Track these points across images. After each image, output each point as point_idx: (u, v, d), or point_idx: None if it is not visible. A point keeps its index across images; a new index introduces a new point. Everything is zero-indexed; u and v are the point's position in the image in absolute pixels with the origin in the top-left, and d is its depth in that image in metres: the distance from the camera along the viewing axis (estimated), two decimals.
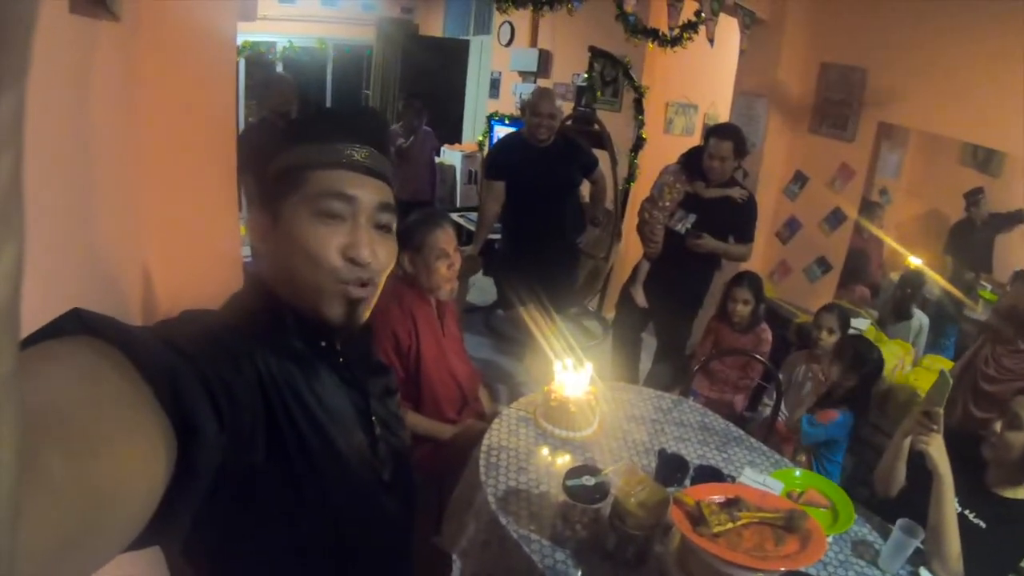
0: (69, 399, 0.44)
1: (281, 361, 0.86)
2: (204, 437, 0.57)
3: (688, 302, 3.54)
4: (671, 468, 1.86)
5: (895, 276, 3.67)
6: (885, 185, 3.78)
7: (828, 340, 2.84)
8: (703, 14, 3.43)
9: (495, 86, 6.95)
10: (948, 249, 3.48)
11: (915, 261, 3.54)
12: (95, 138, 1.26)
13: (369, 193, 0.91)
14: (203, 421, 0.58)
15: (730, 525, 1.38)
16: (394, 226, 0.97)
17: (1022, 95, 2.83)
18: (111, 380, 0.50)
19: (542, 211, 3.58)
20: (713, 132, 3.26)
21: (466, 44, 7.40)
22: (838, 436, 2.56)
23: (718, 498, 1.47)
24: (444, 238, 2.33)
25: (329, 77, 7.86)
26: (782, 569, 1.33)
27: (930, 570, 1.68)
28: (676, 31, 3.70)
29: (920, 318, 3.51)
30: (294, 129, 0.95)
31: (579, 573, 1.53)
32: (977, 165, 3.32)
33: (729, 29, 3.86)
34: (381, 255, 0.92)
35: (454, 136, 7.33)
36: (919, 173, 3.69)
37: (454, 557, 1.80)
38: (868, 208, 3.74)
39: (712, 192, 3.29)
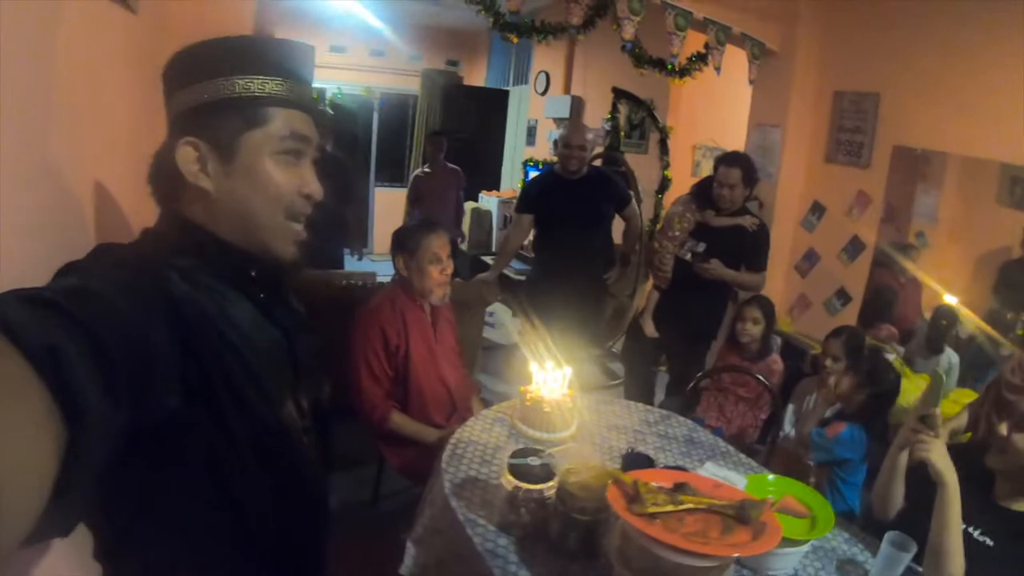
0: None
1: (201, 294, 0.84)
2: (89, 417, 0.53)
3: (701, 333, 3.46)
4: (636, 467, 1.78)
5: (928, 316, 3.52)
6: (922, 228, 3.67)
7: (834, 367, 2.72)
8: (709, 45, 3.45)
9: (531, 133, 7.11)
10: (996, 287, 3.31)
11: (950, 300, 3.39)
12: (111, 124, 1.29)
13: (314, 132, 0.94)
14: (88, 400, 0.54)
15: (670, 508, 1.29)
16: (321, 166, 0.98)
17: None
18: None
19: (572, 243, 3.58)
20: (722, 160, 3.24)
21: (506, 94, 7.60)
22: (850, 454, 2.41)
23: (664, 484, 1.39)
24: (438, 243, 2.39)
25: (375, 123, 8.14)
26: (724, 556, 1.24)
27: None
28: (682, 62, 3.72)
29: (951, 356, 3.34)
30: (236, 54, 0.89)
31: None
32: (1015, 203, 3.20)
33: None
34: (320, 191, 0.96)
35: (492, 183, 7.47)
36: (957, 215, 3.56)
37: (407, 543, 1.75)
38: (903, 251, 3.63)
39: (722, 220, 3.25)
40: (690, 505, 1.31)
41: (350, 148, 7.53)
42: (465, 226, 6.70)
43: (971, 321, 3.29)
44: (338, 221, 4.64)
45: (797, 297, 4.05)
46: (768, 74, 3.82)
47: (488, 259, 5.67)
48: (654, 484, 1.34)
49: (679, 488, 1.36)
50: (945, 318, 3.34)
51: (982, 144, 3.06)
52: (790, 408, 2.92)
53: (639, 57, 3.63)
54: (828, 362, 2.72)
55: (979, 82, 3.04)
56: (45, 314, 0.56)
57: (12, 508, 0.42)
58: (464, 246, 6.69)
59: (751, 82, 3.80)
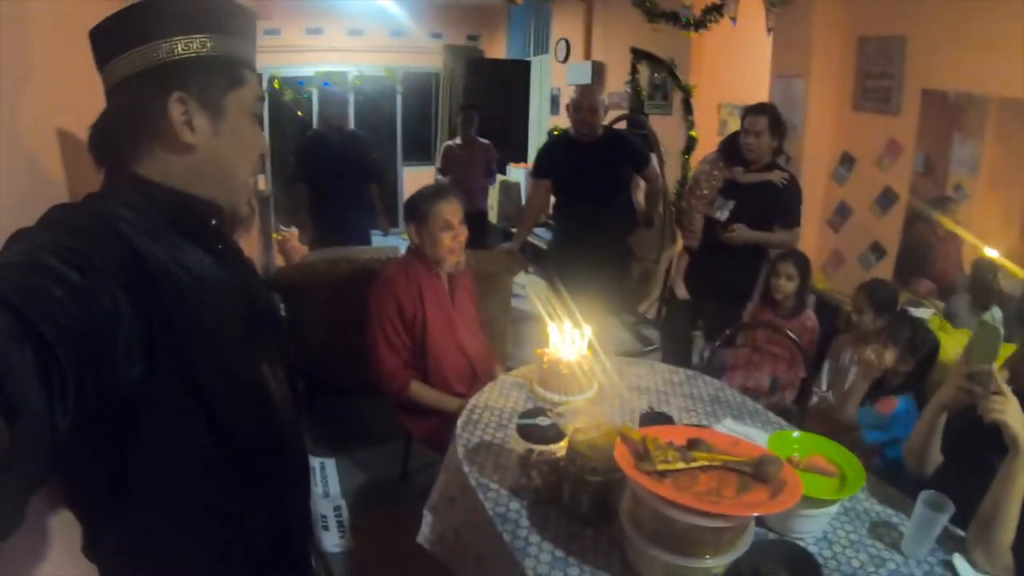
0: None
1: (161, 247, 0.83)
2: (27, 417, 0.52)
3: (735, 293, 3.35)
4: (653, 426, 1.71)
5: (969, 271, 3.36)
6: (961, 180, 3.49)
7: (864, 320, 2.60)
8: None
9: (555, 102, 7.02)
10: None
11: (991, 253, 3.23)
12: None
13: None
14: (28, 402, 0.53)
15: (680, 465, 1.23)
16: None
17: None
18: None
19: (589, 207, 3.53)
20: (749, 110, 3.14)
21: (527, 64, 7.50)
22: (908, 429, 2.28)
23: (677, 441, 1.32)
24: (448, 210, 2.35)
25: (399, 103, 8.11)
26: (737, 515, 1.18)
27: (969, 560, 1.38)
28: (696, 14, 3.58)
29: (995, 311, 3.19)
30: (221, 15, 0.88)
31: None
32: None
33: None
34: None
35: (519, 155, 7.39)
36: (996, 165, 3.37)
37: (424, 512, 1.73)
38: (941, 204, 3.46)
39: (751, 177, 3.14)
40: (703, 462, 1.26)
41: (374, 128, 7.60)
42: (493, 199, 6.66)
43: (1015, 274, 3.13)
44: (365, 200, 4.64)
45: (830, 253, 3.90)
46: (788, 22, 3.65)
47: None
48: (665, 441, 1.28)
49: (692, 445, 1.30)
50: (989, 271, 3.18)
51: (1018, 83, 2.87)
52: (826, 366, 2.82)
53: (651, 11, 3.50)
54: (855, 317, 2.61)
55: (1011, 18, 2.84)
56: None
57: None
58: (494, 218, 6.65)
59: (769, 31, 3.64)
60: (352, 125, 7.13)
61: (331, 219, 4.45)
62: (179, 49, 0.83)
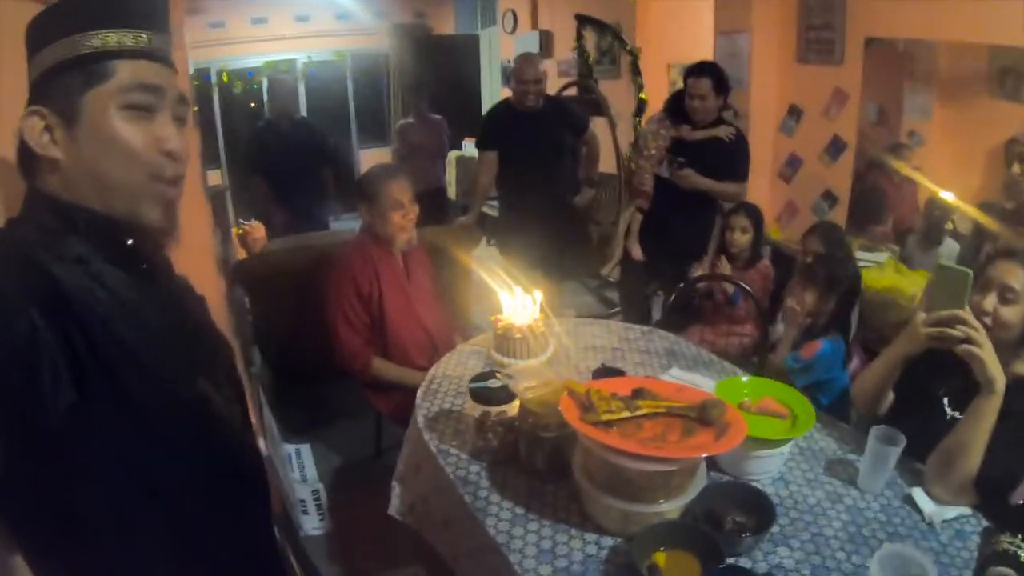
0: None
1: (81, 274, 0.79)
2: None
3: (689, 250, 3.39)
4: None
5: None
6: (914, 127, 3.56)
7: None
8: None
9: (506, 74, 6.97)
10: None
11: (946, 196, 3.31)
12: None
13: (170, 83, 0.87)
14: None
15: (625, 414, 1.27)
16: (187, 119, 0.92)
17: None
18: None
19: (535, 176, 3.56)
20: (690, 72, 3.14)
21: (476, 39, 7.45)
22: (834, 371, 2.34)
23: (621, 392, 1.36)
24: (398, 189, 2.37)
25: (350, 86, 8.02)
26: (682, 458, 1.22)
27: (929, 494, 1.41)
28: None
29: (950, 245, 3.28)
30: (72, 13, 0.82)
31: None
32: (1006, 95, 3.09)
33: None
34: (186, 147, 0.88)
35: (474, 129, 7.35)
36: (947, 112, 3.44)
37: (392, 483, 1.76)
38: (896, 150, 3.53)
39: (697, 134, 3.17)
40: (647, 410, 1.30)
41: (328, 113, 7.51)
42: (451, 175, 6.64)
43: (968, 214, 3.21)
44: (319, 184, 4.62)
45: (784, 204, 3.98)
46: None
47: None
48: (608, 392, 1.32)
49: (636, 394, 1.34)
50: (938, 209, 3.27)
51: (963, 28, 2.93)
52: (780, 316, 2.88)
53: None
54: (809, 259, 2.65)
55: None
56: None
57: None
58: (453, 194, 6.64)
59: None
60: (305, 112, 7.07)
61: (288, 207, 4.44)
62: (39, 62, 0.81)
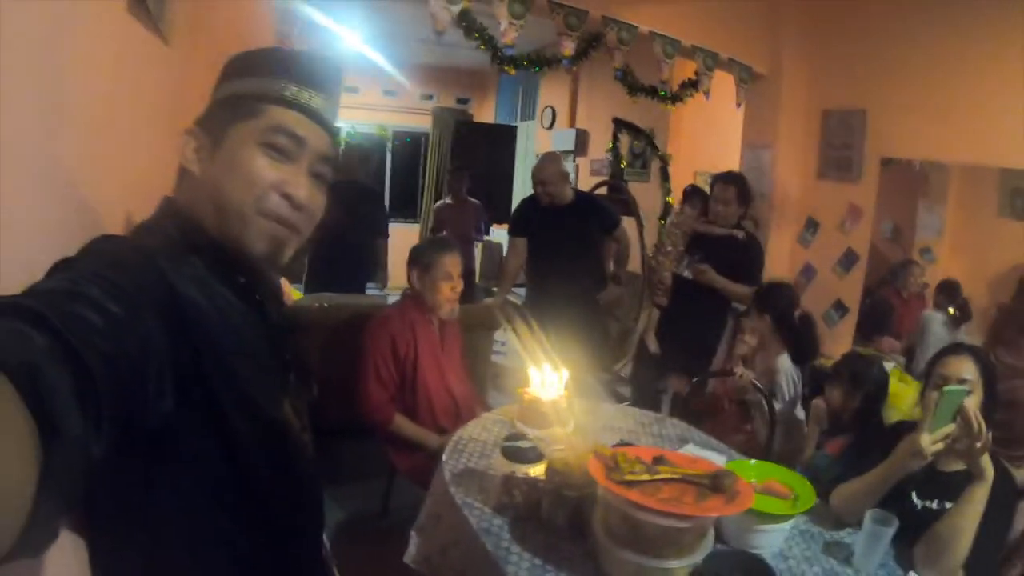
0: None
1: (197, 289, 0.84)
2: (64, 439, 0.50)
3: (702, 348, 3.53)
4: None
5: None
6: (927, 244, 3.76)
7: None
8: (698, 71, 3.63)
9: None
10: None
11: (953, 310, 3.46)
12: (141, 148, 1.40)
13: (317, 139, 0.93)
14: (64, 422, 0.51)
15: (646, 477, 1.39)
16: (329, 180, 0.97)
17: (1020, 110, 2.90)
18: None
19: (560, 267, 3.69)
20: (718, 179, 3.39)
21: (514, 129, 7.83)
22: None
23: (643, 458, 1.49)
24: (451, 262, 2.57)
25: (389, 160, 8.39)
26: (697, 516, 1.33)
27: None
28: (673, 88, 3.89)
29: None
30: (254, 60, 0.94)
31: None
32: (1016, 215, 3.29)
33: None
34: (316, 201, 0.94)
35: (503, 216, 7.63)
36: (959, 229, 3.65)
37: (411, 533, 1.85)
38: (905, 267, 3.73)
39: (716, 230, 3.36)
40: (666, 475, 1.42)
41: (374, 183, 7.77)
42: (477, 259, 6.85)
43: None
44: (361, 249, 4.66)
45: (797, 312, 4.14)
46: (757, 96, 4.00)
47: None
48: (632, 456, 1.45)
49: (657, 460, 1.47)
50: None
51: (976, 152, 3.19)
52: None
53: (632, 85, 3.80)
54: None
55: (966, 91, 3.19)
56: (25, 328, 0.53)
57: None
58: (476, 278, 6.82)
59: (738, 105, 3.97)
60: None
61: (329, 267, 4.47)
62: (217, 94, 0.94)
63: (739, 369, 3.01)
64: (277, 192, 0.89)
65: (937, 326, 3.45)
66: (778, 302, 2.91)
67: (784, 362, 2.91)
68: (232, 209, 0.89)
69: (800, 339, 2.96)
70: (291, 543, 1.01)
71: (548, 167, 3.61)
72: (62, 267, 0.71)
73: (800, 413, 2.88)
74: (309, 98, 0.92)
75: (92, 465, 0.56)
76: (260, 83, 0.91)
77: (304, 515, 1.05)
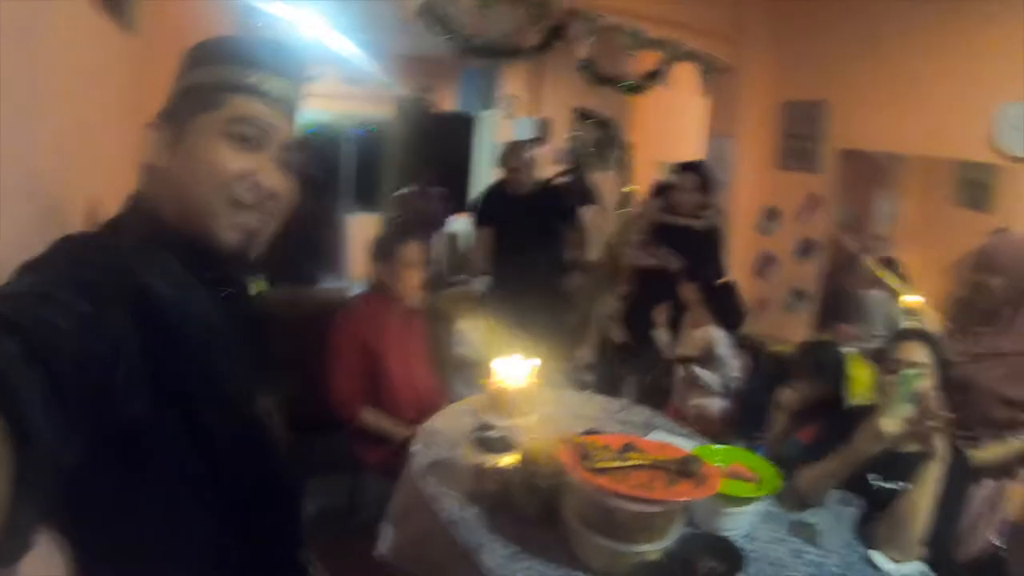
0: None
1: (167, 285, 0.81)
2: (35, 445, 0.50)
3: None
4: None
5: None
6: (884, 232, 3.86)
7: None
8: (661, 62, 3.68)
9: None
10: None
11: (910, 299, 3.55)
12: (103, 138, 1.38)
13: (283, 127, 0.92)
14: (34, 428, 0.51)
15: (617, 464, 1.42)
16: (295, 167, 0.96)
17: (980, 102, 3.01)
18: None
19: (524, 256, 3.70)
20: (680, 167, 3.43)
21: (472, 119, 7.82)
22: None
23: (612, 445, 1.51)
24: (413, 249, 2.57)
25: (352, 150, 8.20)
26: (667, 500, 1.37)
27: (884, 554, 1.59)
28: (635, 79, 3.92)
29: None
30: (214, 48, 0.92)
31: None
32: (971, 204, 3.39)
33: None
34: (285, 188, 0.93)
35: (462, 206, 7.62)
36: (915, 219, 3.75)
37: (382, 526, 1.85)
38: (865, 253, 3.82)
39: (680, 220, 3.41)
40: (636, 461, 1.45)
41: (326, 173, 7.68)
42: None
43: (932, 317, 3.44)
44: (317, 242, 4.71)
45: (756, 299, 4.22)
46: (720, 88, 4.07)
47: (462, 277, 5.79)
48: (602, 444, 1.47)
49: (626, 448, 1.49)
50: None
51: (935, 145, 3.30)
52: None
53: (595, 75, 3.81)
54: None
55: (927, 85, 3.29)
56: None
57: None
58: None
59: (703, 95, 4.02)
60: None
61: (286, 261, 4.50)
62: (178, 83, 0.91)
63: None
64: (245, 181, 0.88)
65: (878, 303, 3.55)
66: (704, 272, 3.00)
67: (714, 331, 3.04)
68: (199, 201, 0.87)
69: (725, 306, 3.11)
70: (271, 539, 1.00)
71: (516, 153, 3.66)
72: (29, 268, 0.70)
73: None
74: (272, 85, 0.90)
75: (66, 472, 0.56)
76: (222, 71, 0.88)
77: (283, 511, 1.04)
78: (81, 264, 0.72)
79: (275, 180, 0.91)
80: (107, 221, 0.90)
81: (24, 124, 0.91)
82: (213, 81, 0.88)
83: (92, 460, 0.60)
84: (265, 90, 0.90)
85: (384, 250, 2.57)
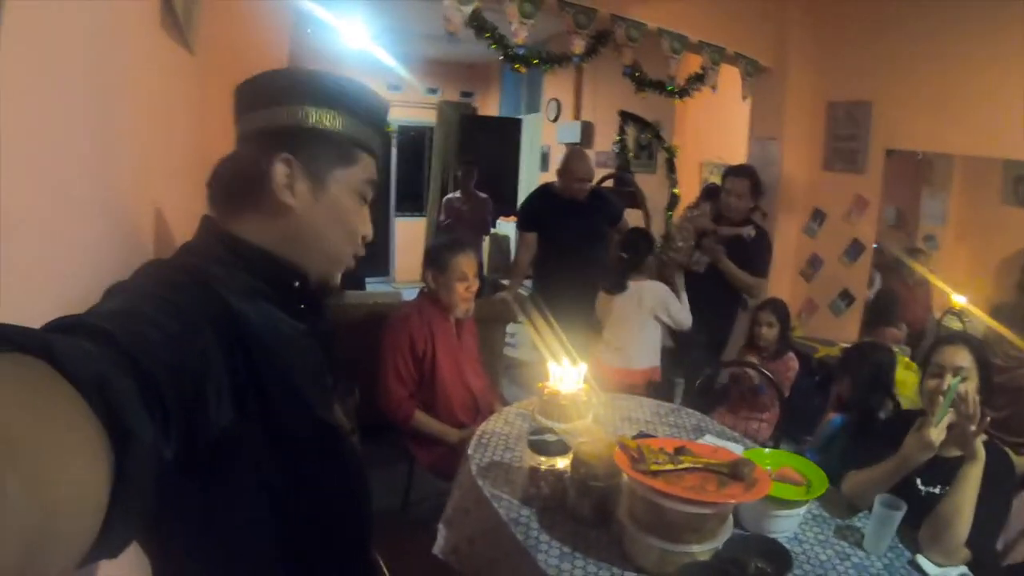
0: (11, 420, 0.41)
1: (248, 303, 0.85)
2: (137, 445, 0.52)
3: (713, 341, 3.61)
4: None
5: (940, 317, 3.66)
6: (931, 232, 3.82)
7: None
8: (705, 65, 3.69)
9: (544, 160, 7.37)
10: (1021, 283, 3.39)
11: (959, 300, 3.51)
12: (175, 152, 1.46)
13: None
14: (135, 428, 0.52)
15: (669, 466, 1.46)
16: None
17: (1020, 104, 2.97)
18: (47, 395, 0.46)
19: (570, 261, 3.75)
20: (730, 172, 3.45)
21: (519, 122, 7.87)
22: (832, 441, 2.58)
23: (666, 448, 1.56)
24: (466, 262, 2.63)
25: (394, 154, 8.42)
26: (718, 503, 1.41)
27: (928, 558, 1.61)
28: (680, 83, 3.93)
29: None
30: (338, 94, 0.94)
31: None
32: (1019, 202, 3.34)
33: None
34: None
35: (509, 209, 7.70)
36: (963, 217, 3.71)
37: (439, 525, 1.92)
38: (911, 254, 3.78)
39: (724, 230, 3.42)
40: (689, 464, 1.49)
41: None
42: (484, 252, 6.93)
43: (980, 319, 3.39)
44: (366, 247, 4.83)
45: (804, 301, 4.20)
46: (764, 90, 4.06)
47: (507, 282, 5.86)
48: (656, 447, 1.52)
49: (679, 451, 1.54)
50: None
51: (978, 144, 3.25)
52: None
53: (640, 81, 3.84)
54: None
55: (970, 84, 3.25)
56: (90, 343, 0.55)
57: (69, 532, 0.43)
58: (485, 271, 6.90)
59: (744, 98, 4.03)
60: None
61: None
62: (301, 116, 0.90)
63: (754, 359, 3.10)
64: (361, 236, 1.00)
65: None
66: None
67: (654, 286, 3.24)
68: (332, 252, 0.98)
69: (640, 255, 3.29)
70: (345, 543, 1.03)
71: (585, 162, 3.66)
72: (116, 290, 0.74)
73: None
74: (381, 143, 1.00)
75: (163, 468, 0.58)
76: (353, 126, 0.94)
77: (359, 517, 1.07)
78: (167, 285, 0.76)
79: (371, 229, 1.02)
80: (185, 245, 0.94)
81: (101, 141, 0.94)
82: (349, 136, 0.94)
83: (179, 475, 0.63)
84: (379, 150, 1.00)
85: (436, 262, 2.62)
